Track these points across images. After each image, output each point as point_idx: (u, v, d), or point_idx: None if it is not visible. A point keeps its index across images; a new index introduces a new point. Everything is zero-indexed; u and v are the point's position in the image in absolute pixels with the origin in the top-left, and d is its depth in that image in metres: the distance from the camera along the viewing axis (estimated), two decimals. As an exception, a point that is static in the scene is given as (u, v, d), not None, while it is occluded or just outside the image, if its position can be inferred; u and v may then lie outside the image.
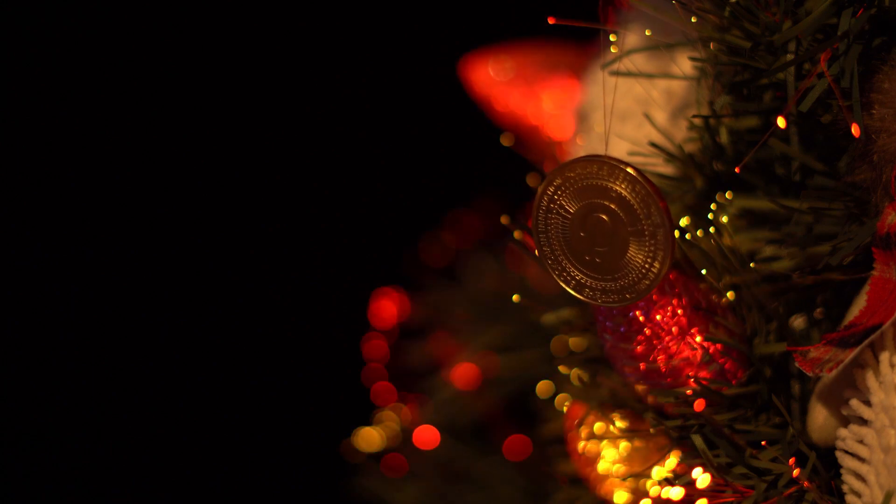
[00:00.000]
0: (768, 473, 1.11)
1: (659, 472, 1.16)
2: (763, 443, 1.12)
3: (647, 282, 1.08)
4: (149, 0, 2.16)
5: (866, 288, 1.08)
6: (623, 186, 1.07)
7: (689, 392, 1.13)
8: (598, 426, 1.23)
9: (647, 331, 1.13)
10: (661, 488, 1.13)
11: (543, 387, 1.46)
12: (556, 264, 1.10)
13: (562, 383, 1.30)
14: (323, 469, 1.78)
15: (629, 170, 1.06)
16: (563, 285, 1.10)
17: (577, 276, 1.10)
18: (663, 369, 1.14)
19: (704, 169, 1.19)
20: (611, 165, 1.06)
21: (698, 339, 1.13)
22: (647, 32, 1.23)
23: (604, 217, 1.08)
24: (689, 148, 1.20)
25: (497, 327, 1.62)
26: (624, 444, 1.25)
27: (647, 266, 1.07)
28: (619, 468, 1.26)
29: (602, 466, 1.27)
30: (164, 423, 2.18)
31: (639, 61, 1.22)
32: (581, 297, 1.10)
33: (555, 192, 1.09)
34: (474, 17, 2.09)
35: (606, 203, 1.07)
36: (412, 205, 2.08)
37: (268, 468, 2.19)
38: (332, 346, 2.04)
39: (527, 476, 1.61)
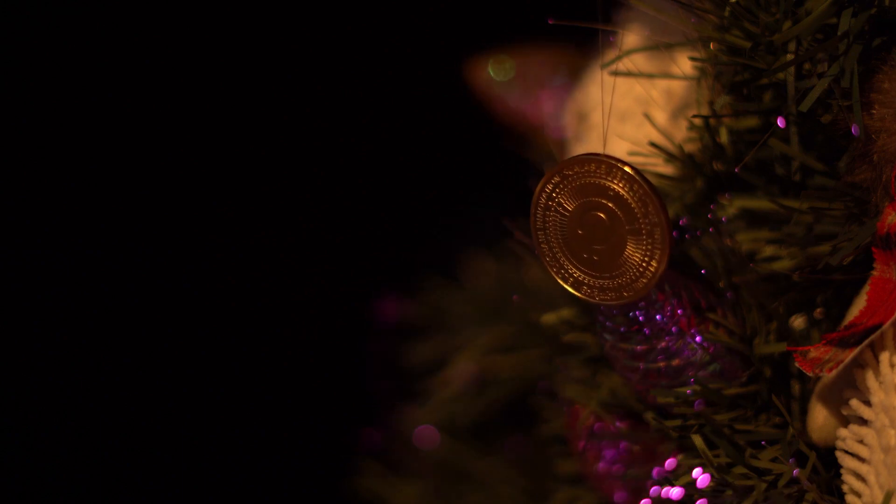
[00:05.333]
0: (768, 473, 1.10)
1: (659, 472, 1.16)
2: (763, 443, 1.12)
3: (644, 280, 1.08)
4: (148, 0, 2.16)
5: (866, 288, 1.08)
6: (621, 185, 1.07)
7: (689, 392, 1.13)
8: (598, 426, 1.23)
9: (647, 331, 1.13)
10: (661, 488, 1.13)
11: (543, 387, 1.46)
12: (555, 261, 1.10)
13: (562, 383, 1.30)
14: (323, 469, 1.78)
15: (627, 169, 1.06)
16: (561, 282, 1.10)
17: (575, 273, 1.10)
18: (663, 369, 1.14)
19: (704, 169, 1.19)
20: (609, 164, 1.06)
21: (698, 339, 1.13)
22: (647, 32, 1.23)
23: (601, 215, 1.08)
24: (689, 148, 1.19)
25: (497, 327, 1.62)
26: (624, 444, 1.25)
27: (644, 265, 1.07)
28: (618, 468, 1.25)
29: (602, 466, 1.27)
30: (164, 423, 2.18)
31: (639, 61, 1.21)
32: (579, 295, 1.10)
33: (553, 190, 1.09)
34: (475, 17, 2.09)
35: (604, 201, 1.08)
36: (412, 205, 2.08)
37: (268, 468, 2.19)
38: (332, 346, 2.04)
39: (527, 476, 1.60)
